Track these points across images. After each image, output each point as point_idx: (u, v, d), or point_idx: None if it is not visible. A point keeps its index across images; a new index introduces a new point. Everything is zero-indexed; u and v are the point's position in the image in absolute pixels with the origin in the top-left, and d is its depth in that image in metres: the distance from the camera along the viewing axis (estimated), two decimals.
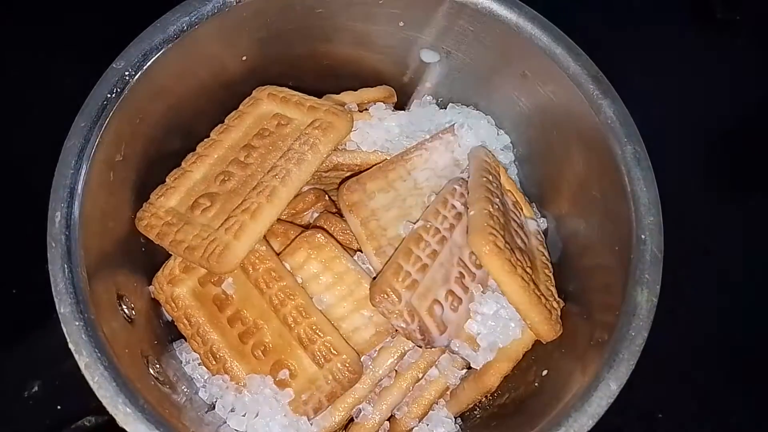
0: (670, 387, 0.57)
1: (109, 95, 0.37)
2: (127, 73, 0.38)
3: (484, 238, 0.37)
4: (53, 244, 0.34)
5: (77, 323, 0.32)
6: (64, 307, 0.33)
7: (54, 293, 0.33)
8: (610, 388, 0.33)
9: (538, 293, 0.39)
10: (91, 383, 0.31)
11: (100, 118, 0.37)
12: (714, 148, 0.67)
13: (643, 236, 0.36)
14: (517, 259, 0.39)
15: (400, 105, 0.52)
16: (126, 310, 0.38)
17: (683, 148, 0.65)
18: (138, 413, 0.31)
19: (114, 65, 0.38)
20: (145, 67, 0.39)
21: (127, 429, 0.31)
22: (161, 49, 0.39)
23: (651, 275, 0.35)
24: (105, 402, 0.31)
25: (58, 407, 0.41)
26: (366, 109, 0.48)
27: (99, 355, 0.32)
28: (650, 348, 0.56)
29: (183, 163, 0.43)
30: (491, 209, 0.40)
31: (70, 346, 0.32)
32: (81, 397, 0.32)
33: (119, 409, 0.31)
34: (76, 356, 0.31)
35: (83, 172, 0.36)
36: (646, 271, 0.35)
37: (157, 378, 0.38)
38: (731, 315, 0.59)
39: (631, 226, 0.37)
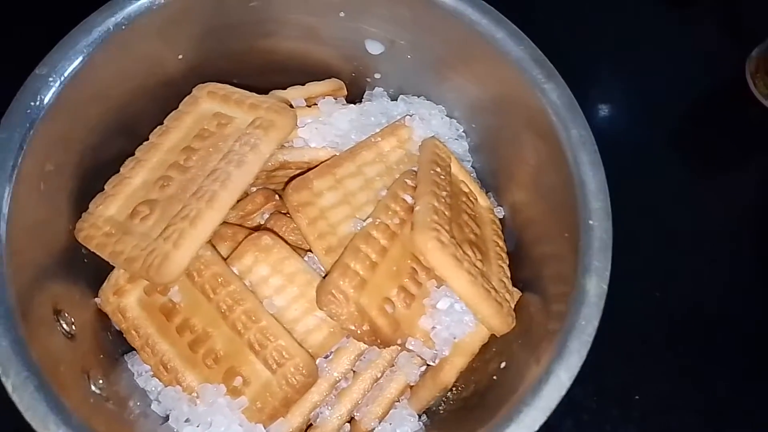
0: (646, 369, 0.57)
1: (32, 103, 0.36)
2: (51, 79, 0.36)
3: (427, 234, 0.37)
4: None
5: (3, 343, 0.31)
6: None
7: None
8: (561, 380, 0.32)
9: (488, 286, 0.38)
10: (18, 405, 0.30)
11: (24, 128, 0.35)
12: (683, 127, 0.66)
13: (590, 222, 0.35)
14: (464, 253, 0.38)
15: (352, 98, 0.50)
16: (65, 326, 0.37)
17: (651, 128, 0.65)
18: None
19: (36, 71, 0.36)
20: (71, 72, 0.37)
21: None
22: (87, 52, 0.37)
23: (600, 262, 0.34)
24: (34, 424, 0.30)
25: None
26: (315, 104, 0.47)
27: (28, 375, 0.31)
28: (626, 330, 0.56)
29: (122, 169, 0.42)
30: (436, 203, 0.39)
31: None
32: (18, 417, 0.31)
33: (50, 431, 0.30)
34: (3, 378, 0.30)
35: (7, 186, 0.34)
36: (594, 258, 0.34)
37: (99, 394, 0.36)
38: (705, 295, 0.59)
39: (578, 212, 0.36)
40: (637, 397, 0.57)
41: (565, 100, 0.38)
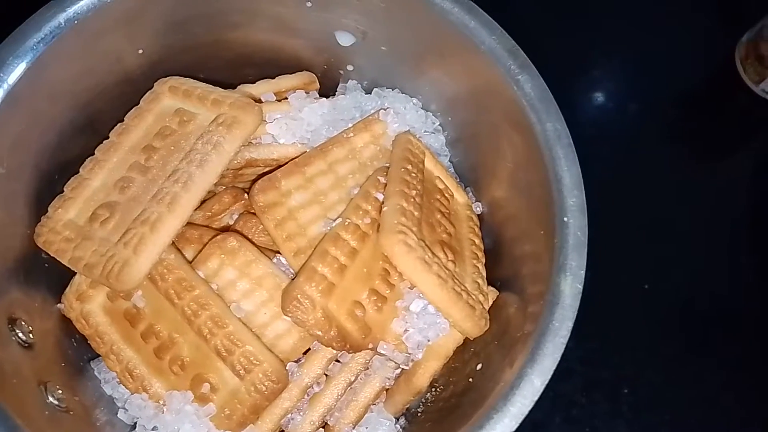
0: (636, 363, 0.56)
1: None
2: None
3: (393, 237, 0.35)
4: None
5: None
6: None
7: None
8: (534, 384, 0.31)
9: (459, 289, 0.37)
10: None
11: None
12: (673, 115, 0.65)
13: (565, 219, 0.34)
14: (434, 255, 0.37)
15: (325, 92, 0.49)
16: (21, 335, 0.36)
17: (641, 117, 0.63)
18: None
19: None
20: (20, 70, 0.35)
21: None
22: (37, 49, 0.36)
23: (575, 260, 0.33)
24: None
25: None
26: (285, 99, 0.45)
27: None
28: (615, 324, 0.55)
29: (81, 170, 0.40)
30: (404, 204, 0.37)
31: None
32: None
33: None
34: None
35: None
36: (569, 257, 0.33)
37: (58, 406, 0.35)
38: (696, 287, 0.58)
39: (554, 208, 0.34)
40: (626, 391, 0.56)
41: (539, 92, 0.36)
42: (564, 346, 0.32)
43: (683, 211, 0.60)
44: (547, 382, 0.31)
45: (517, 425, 0.31)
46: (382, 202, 0.40)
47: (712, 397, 0.55)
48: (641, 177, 0.61)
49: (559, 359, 0.32)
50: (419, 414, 0.44)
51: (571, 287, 0.32)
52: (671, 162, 0.62)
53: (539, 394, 0.31)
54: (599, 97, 0.64)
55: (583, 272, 0.33)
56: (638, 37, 0.65)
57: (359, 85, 0.48)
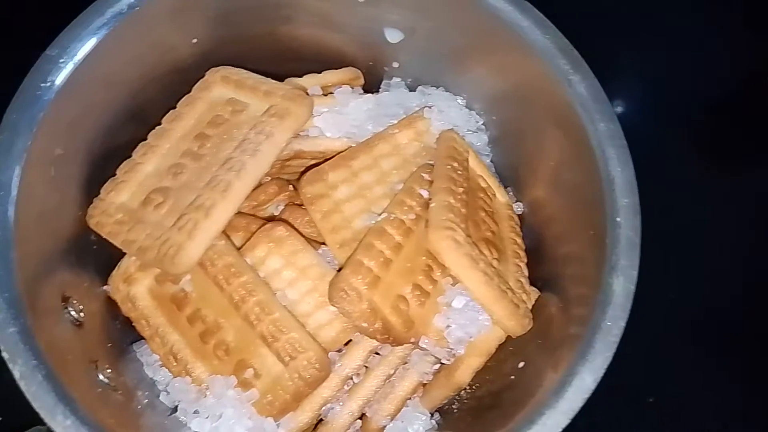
0: (662, 371, 0.55)
1: (42, 85, 0.35)
2: (62, 60, 0.35)
3: (441, 233, 0.35)
4: None
5: (11, 329, 0.30)
6: None
7: None
8: (585, 382, 0.31)
9: (504, 287, 0.37)
10: (26, 393, 0.29)
11: (34, 110, 0.34)
12: (701, 122, 0.64)
13: (617, 219, 0.34)
14: (480, 252, 0.37)
15: (369, 88, 0.49)
16: (73, 313, 0.36)
17: (669, 123, 0.63)
18: (79, 424, 0.29)
19: (47, 52, 0.35)
20: (82, 54, 0.36)
21: None
22: (99, 33, 0.36)
23: (627, 260, 0.33)
24: (42, 414, 0.29)
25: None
26: (330, 93, 0.46)
27: (36, 363, 0.30)
28: (641, 330, 0.54)
29: (134, 155, 0.41)
30: (452, 201, 0.37)
31: (4, 354, 0.29)
32: (28, 406, 0.30)
33: (58, 421, 0.29)
34: (10, 365, 0.29)
35: (17, 168, 0.33)
36: (621, 257, 0.33)
37: (107, 384, 0.35)
38: (722, 295, 0.57)
39: (605, 208, 0.34)
40: (651, 399, 0.55)
41: (593, 92, 0.36)
42: (616, 346, 0.32)
43: (709, 219, 0.60)
44: (598, 380, 0.31)
45: (568, 422, 0.31)
46: (428, 199, 0.40)
47: (736, 406, 0.55)
48: (666, 183, 0.61)
49: (610, 359, 0.32)
50: (454, 410, 0.44)
51: (623, 287, 0.32)
52: (696, 169, 0.62)
53: (590, 392, 0.31)
54: (625, 101, 0.64)
55: (635, 273, 0.33)
56: (666, 41, 0.65)
57: (403, 82, 0.49)
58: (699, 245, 0.59)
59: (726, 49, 0.65)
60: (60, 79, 0.35)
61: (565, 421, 0.31)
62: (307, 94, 0.44)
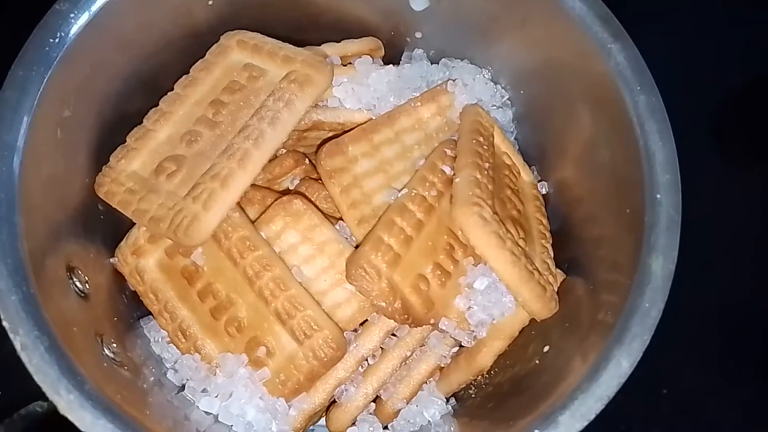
0: (676, 364, 0.54)
1: (51, 40, 0.33)
2: (72, 15, 0.33)
3: (468, 209, 0.34)
4: None
5: (13, 297, 0.28)
6: None
7: None
8: (622, 366, 0.29)
9: (531, 268, 0.35)
10: (28, 366, 0.27)
11: (42, 66, 0.32)
12: (722, 116, 0.63)
13: (658, 196, 0.32)
14: (507, 230, 0.35)
15: (389, 59, 0.47)
16: (78, 284, 0.34)
17: (692, 114, 0.61)
18: (83, 399, 0.27)
19: (56, 6, 0.33)
20: (94, 10, 0.34)
21: (69, 417, 0.27)
22: None
23: (667, 240, 0.31)
24: (44, 387, 0.27)
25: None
26: (350, 63, 0.44)
27: (39, 334, 0.28)
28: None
29: (145, 121, 0.39)
30: (479, 176, 0.36)
31: (5, 323, 0.28)
32: (28, 380, 0.28)
33: (61, 396, 0.27)
34: (11, 336, 0.27)
35: (22, 127, 0.31)
36: (661, 236, 0.31)
37: (113, 359, 0.34)
38: (738, 289, 0.56)
39: (644, 186, 0.32)
40: (665, 391, 0.54)
41: (633, 62, 0.34)
42: (653, 329, 0.30)
43: (726, 213, 0.58)
44: (635, 365, 0.30)
45: (603, 407, 0.29)
46: (451, 176, 0.38)
47: (749, 401, 0.53)
48: (684, 177, 0.59)
49: (647, 343, 0.30)
50: (471, 396, 0.43)
51: (663, 268, 0.30)
52: (715, 163, 0.60)
53: (626, 377, 0.29)
54: None
55: (675, 253, 0.31)
56: (688, 35, 0.63)
57: (425, 54, 0.47)
58: (716, 239, 0.57)
59: (751, 43, 0.63)
60: (70, 34, 0.33)
61: (599, 407, 0.29)
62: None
